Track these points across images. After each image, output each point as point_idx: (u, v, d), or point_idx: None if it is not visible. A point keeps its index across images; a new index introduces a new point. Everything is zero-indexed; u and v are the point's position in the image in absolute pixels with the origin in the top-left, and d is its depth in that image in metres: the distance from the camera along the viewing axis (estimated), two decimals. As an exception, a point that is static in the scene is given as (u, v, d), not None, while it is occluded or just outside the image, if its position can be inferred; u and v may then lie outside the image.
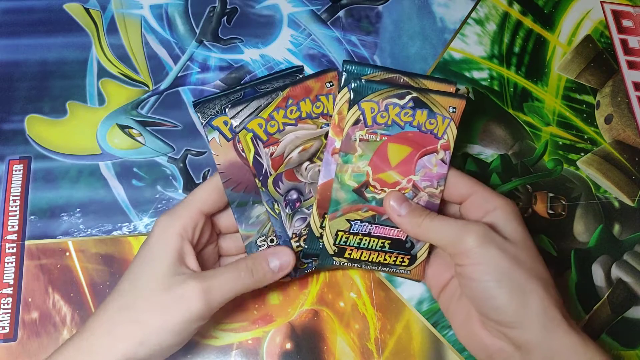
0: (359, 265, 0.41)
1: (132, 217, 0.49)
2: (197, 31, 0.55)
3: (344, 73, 0.39)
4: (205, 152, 0.51)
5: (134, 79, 0.53)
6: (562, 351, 0.34)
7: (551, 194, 0.51)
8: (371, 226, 0.40)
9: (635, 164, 0.53)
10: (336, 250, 0.40)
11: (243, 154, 0.40)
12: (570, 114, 0.54)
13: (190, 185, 0.50)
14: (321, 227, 0.41)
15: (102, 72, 0.53)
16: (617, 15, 0.58)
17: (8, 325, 0.45)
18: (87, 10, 0.55)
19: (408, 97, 0.39)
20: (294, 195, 0.41)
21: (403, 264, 0.41)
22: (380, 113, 0.39)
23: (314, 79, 0.40)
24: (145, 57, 0.53)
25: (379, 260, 0.41)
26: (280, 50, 0.54)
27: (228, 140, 0.41)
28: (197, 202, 0.40)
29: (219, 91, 0.41)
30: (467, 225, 0.37)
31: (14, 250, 0.47)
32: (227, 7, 0.55)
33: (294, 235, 0.41)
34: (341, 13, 0.56)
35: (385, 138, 0.39)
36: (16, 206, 0.48)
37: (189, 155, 0.51)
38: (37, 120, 0.51)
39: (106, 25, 0.54)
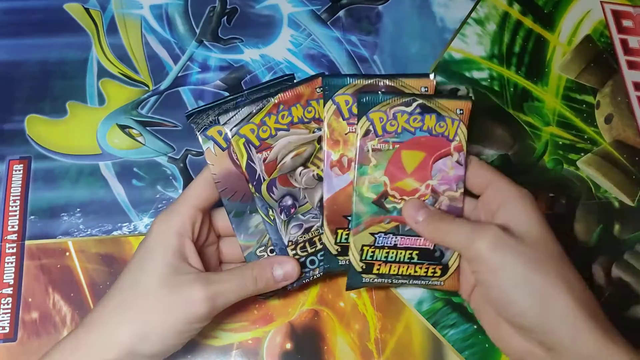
0: (389, 281, 0.41)
1: (132, 217, 0.49)
2: (197, 31, 0.55)
3: (325, 88, 0.40)
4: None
5: (134, 79, 0.53)
6: (590, 354, 0.33)
7: (551, 194, 0.51)
8: (396, 237, 0.40)
9: (635, 164, 0.53)
10: (364, 267, 0.40)
11: (238, 162, 0.40)
12: (570, 114, 0.54)
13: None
14: (336, 243, 0.40)
15: (102, 72, 0.53)
16: (617, 15, 0.58)
17: (8, 325, 0.45)
18: (87, 10, 0.55)
19: (415, 104, 0.39)
20: (288, 201, 0.41)
21: (435, 275, 0.40)
22: (389, 122, 0.39)
23: (304, 84, 0.40)
24: (145, 57, 0.53)
25: (410, 273, 0.40)
26: (280, 50, 0.54)
27: (223, 149, 0.41)
28: (192, 199, 0.40)
29: (211, 102, 0.41)
30: (478, 229, 0.36)
31: (14, 250, 0.47)
32: (227, 7, 0.55)
33: (290, 243, 0.41)
34: (341, 13, 0.56)
35: (398, 145, 0.39)
36: (16, 206, 0.48)
37: (189, 155, 0.51)
38: (37, 120, 0.51)
39: (106, 25, 0.54)
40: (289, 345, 0.45)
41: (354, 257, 0.40)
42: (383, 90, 0.40)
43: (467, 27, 0.56)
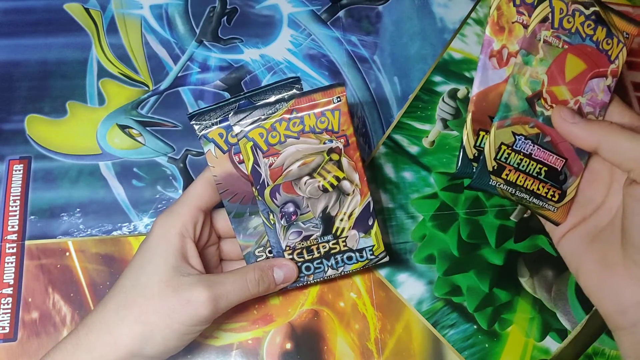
0: (512, 191, 0.38)
1: (132, 217, 0.49)
2: (197, 31, 0.55)
3: None
4: (205, 152, 0.51)
5: (134, 79, 0.53)
6: None
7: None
8: (534, 146, 0.37)
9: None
10: (495, 167, 0.37)
11: (240, 165, 0.40)
12: (570, 114, 0.54)
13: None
14: (475, 146, 0.37)
15: (102, 72, 0.53)
16: (617, 15, 0.58)
17: (8, 325, 0.45)
18: (87, 10, 0.55)
19: (592, 9, 0.37)
20: (290, 208, 0.41)
21: (553, 198, 0.38)
22: (567, 17, 0.36)
23: (321, 92, 0.39)
24: (145, 57, 0.53)
25: (533, 189, 0.38)
26: (280, 50, 0.54)
27: (224, 152, 0.41)
28: (194, 199, 0.40)
29: (213, 104, 0.41)
30: None
31: (14, 250, 0.47)
32: (227, 7, 0.55)
33: (287, 248, 0.41)
34: (341, 13, 0.56)
35: (567, 47, 0.37)
36: (16, 206, 0.48)
37: (189, 156, 0.51)
38: (37, 120, 0.51)
39: (106, 25, 0.54)
40: (289, 345, 0.45)
41: (489, 153, 0.37)
42: None
43: (467, 27, 0.56)
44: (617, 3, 0.58)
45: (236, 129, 0.39)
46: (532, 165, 0.37)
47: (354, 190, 0.41)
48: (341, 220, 0.41)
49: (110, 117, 0.51)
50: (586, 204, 0.38)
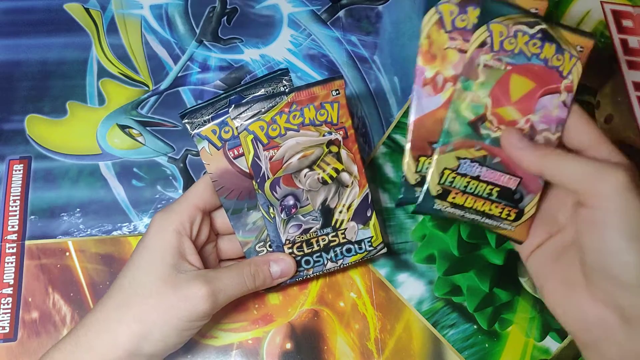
0: (461, 214, 0.38)
1: (132, 217, 0.49)
2: (197, 31, 0.55)
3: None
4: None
5: (134, 79, 0.53)
6: None
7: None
8: (481, 168, 0.37)
9: (635, 164, 0.52)
10: (440, 192, 0.37)
11: (235, 161, 0.40)
12: (570, 113, 0.54)
13: (190, 186, 0.50)
14: (417, 171, 0.37)
15: (102, 72, 0.53)
16: (617, 15, 0.58)
17: (8, 325, 0.45)
18: (87, 10, 0.55)
19: (537, 28, 0.36)
20: (290, 201, 0.41)
21: (509, 217, 0.38)
22: (508, 38, 0.36)
23: (320, 85, 0.40)
24: (145, 57, 0.53)
25: (484, 210, 0.38)
26: (280, 50, 0.54)
27: (218, 148, 0.41)
28: (193, 198, 0.40)
29: (204, 101, 0.41)
30: (607, 166, 0.32)
31: (14, 250, 0.47)
32: (227, 7, 0.55)
33: (287, 242, 0.41)
34: (341, 13, 0.56)
35: (510, 67, 0.36)
36: (16, 206, 0.48)
37: (189, 155, 0.51)
38: (37, 120, 0.51)
39: (106, 25, 0.54)
40: (289, 345, 0.45)
41: (432, 178, 0.37)
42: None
43: (467, 27, 0.56)
44: (618, 3, 0.58)
45: (236, 122, 0.39)
46: (482, 186, 0.37)
47: (352, 182, 0.41)
48: (340, 212, 0.41)
49: (110, 117, 0.51)
50: (551, 222, 0.38)
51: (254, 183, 0.40)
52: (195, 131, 0.40)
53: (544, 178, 0.36)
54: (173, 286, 0.36)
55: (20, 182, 0.49)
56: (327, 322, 0.46)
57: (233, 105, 0.39)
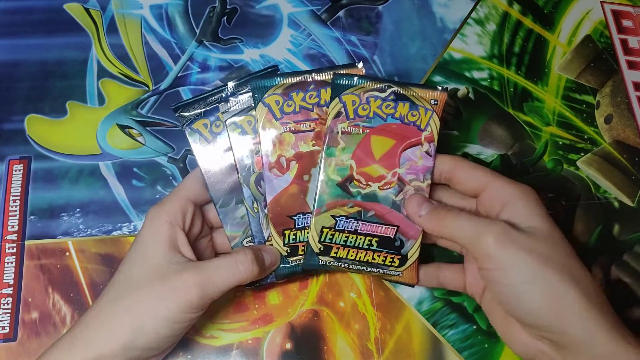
0: (346, 265, 0.41)
1: (132, 217, 0.49)
2: (197, 31, 0.55)
3: (253, 91, 0.40)
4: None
5: (134, 79, 0.53)
6: (604, 353, 0.32)
7: (551, 194, 0.51)
8: (357, 223, 0.40)
9: (635, 164, 0.53)
10: (322, 249, 0.40)
11: (224, 154, 0.41)
12: (570, 114, 0.54)
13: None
14: (285, 244, 0.40)
15: (102, 72, 0.53)
16: (617, 15, 0.58)
17: (8, 325, 0.45)
18: (87, 10, 0.55)
19: (389, 91, 0.39)
20: None
21: (393, 264, 0.40)
22: (361, 105, 0.39)
23: (341, 70, 0.40)
24: (145, 57, 0.53)
25: (367, 260, 0.40)
26: (280, 50, 0.54)
27: (208, 142, 0.41)
28: (184, 191, 0.40)
29: (196, 95, 0.41)
30: (485, 224, 0.35)
31: (14, 250, 0.47)
32: (227, 7, 0.55)
33: (269, 238, 0.41)
34: (341, 13, 0.56)
35: (368, 130, 0.39)
36: (16, 206, 0.48)
37: (189, 156, 0.51)
38: (37, 120, 0.51)
39: (106, 25, 0.54)
40: (289, 345, 0.45)
41: (312, 238, 0.40)
42: (313, 86, 0.40)
43: (467, 27, 0.56)
44: (618, 3, 0.58)
45: (225, 117, 0.40)
46: (361, 239, 0.40)
47: None
48: None
49: (110, 117, 0.51)
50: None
51: (239, 177, 0.40)
52: (187, 124, 0.41)
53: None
54: (163, 277, 0.36)
55: (20, 182, 0.49)
56: (327, 322, 0.46)
57: (215, 102, 0.40)
